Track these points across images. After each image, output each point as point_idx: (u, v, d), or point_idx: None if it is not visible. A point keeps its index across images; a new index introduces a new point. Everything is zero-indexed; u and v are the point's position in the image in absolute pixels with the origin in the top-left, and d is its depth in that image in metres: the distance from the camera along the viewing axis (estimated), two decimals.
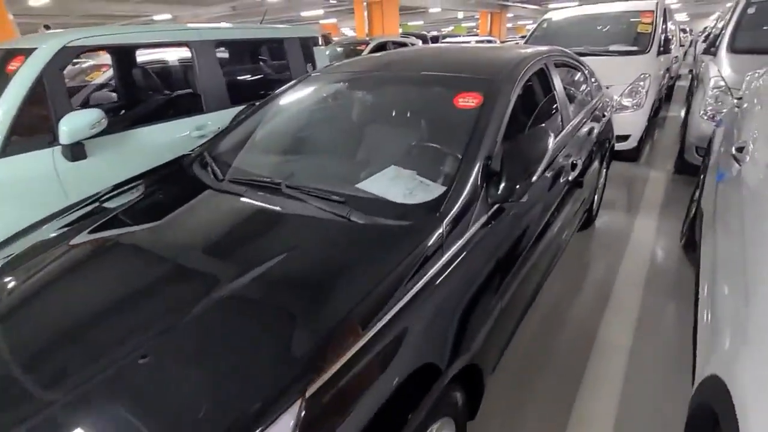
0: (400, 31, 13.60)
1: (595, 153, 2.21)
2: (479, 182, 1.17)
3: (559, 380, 1.64)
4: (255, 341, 0.79)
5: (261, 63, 3.61)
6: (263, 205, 1.21)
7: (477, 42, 10.04)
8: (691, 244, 2.31)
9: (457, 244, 1.04)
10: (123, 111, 2.82)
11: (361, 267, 0.93)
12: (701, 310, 1.30)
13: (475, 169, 1.17)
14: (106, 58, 4.10)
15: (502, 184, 1.14)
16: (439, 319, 0.93)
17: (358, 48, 7.46)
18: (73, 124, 1.85)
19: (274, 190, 1.25)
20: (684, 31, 10.37)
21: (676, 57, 6.31)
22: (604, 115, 2.45)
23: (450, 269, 0.99)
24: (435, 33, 13.58)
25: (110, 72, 3.45)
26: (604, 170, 2.73)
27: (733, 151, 1.44)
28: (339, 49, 7.67)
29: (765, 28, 3.52)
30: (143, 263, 1.07)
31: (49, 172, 1.88)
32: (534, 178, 1.15)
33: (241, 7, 15.07)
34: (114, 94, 3.29)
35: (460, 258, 1.02)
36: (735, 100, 2.10)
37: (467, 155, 1.21)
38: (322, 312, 0.83)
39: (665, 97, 6.37)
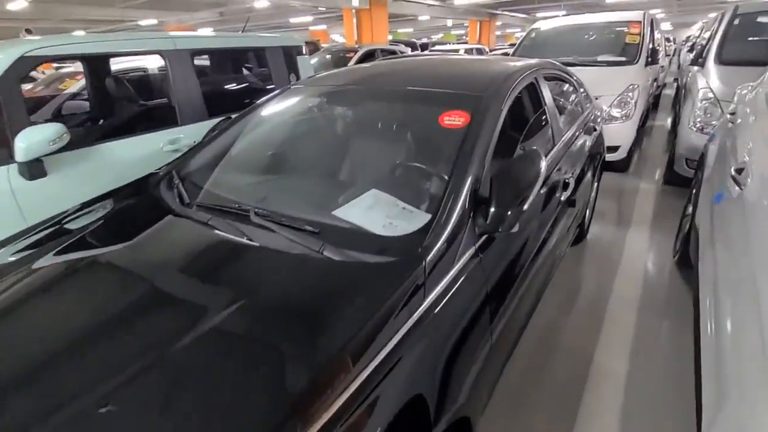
0: (390, 38, 13.61)
1: (588, 167, 2.14)
2: (466, 211, 1.06)
3: (556, 410, 1.54)
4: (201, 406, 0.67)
5: (242, 73, 3.49)
6: (227, 235, 1.09)
7: (466, 50, 10.02)
8: (684, 261, 2.25)
9: (442, 284, 0.93)
10: (93, 123, 2.67)
11: (331, 320, 0.81)
12: (704, 345, 1.22)
13: (462, 197, 1.07)
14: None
15: (492, 212, 1.04)
16: (422, 373, 0.82)
17: (347, 55, 7.39)
18: (31, 140, 1.71)
19: (243, 218, 1.13)
20: (668, 40, 10.57)
21: (662, 66, 6.37)
22: (595, 129, 2.39)
23: (433, 314, 0.88)
24: (425, 40, 13.63)
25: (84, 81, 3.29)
26: (596, 184, 2.67)
27: (732, 172, 1.37)
28: (328, 57, 7.59)
29: (752, 39, 3.53)
30: (97, 299, 0.96)
31: (3, 191, 1.73)
32: (526, 206, 1.05)
33: (228, 13, 14.95)
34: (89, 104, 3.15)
35: (444, 301, 0.91)
36: (729, 115, 2.05)
37: (453, 180, 1.11)
38: (277, 378, 0.71)
39: (652, 106, 6.41)
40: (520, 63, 1.72)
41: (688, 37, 11.22)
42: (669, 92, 8.39)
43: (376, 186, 1.21)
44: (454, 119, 1.28)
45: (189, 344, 0.77)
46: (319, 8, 14.34)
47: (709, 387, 1.06)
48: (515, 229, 1.07)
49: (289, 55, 3.02)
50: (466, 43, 15.99)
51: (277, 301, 0.88)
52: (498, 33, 24.73)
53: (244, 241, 1.06)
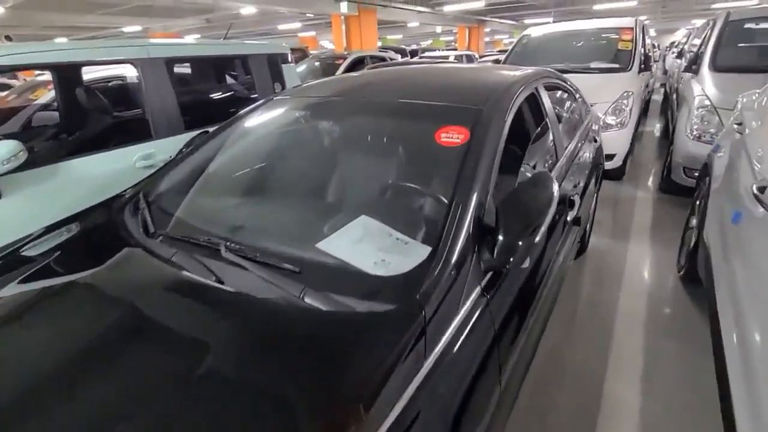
0: (379, 44, 13.55)
1: (590, 180, 2.03)
2: (470, 243, 0.93)
3: None
4: None
5: (224, 82, 3.33)
6: (193, 277, 0.93)
7: (456, 56, 9.99)
8: (691, 277, 2.14)
9: (444, 338, 0.79)
10: (60, 136, 2.49)
11: (309, 396, 0.66)
12: (732, 371, 1.10)
13: (465, 227, 0.93)
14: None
15: (499, 244, 0.91)
16: None
17: (336, 62, 7.27)
18: None
19: (213, 253, 0.98)
20: (653, 46, 10.75)
21: (652, 72, 6.38)
22: (595, 139, 2.29)
23: (434, 377, 0.73)
24: (414, 47, 13.62)
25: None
26: (596, 195, 2.57)
27: (755, 190, 1.26)
28: (316, 64, 7.45)
29: (745, 46, 3.49)
30: (40, 350, 0.81)
31: None
32: (538, 237, 0.92)
33: (215, 20, 14.76)
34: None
35: (447, 359, 0.76)
36: (735, 125, 1.96)
37: (454, 207, 0.97)
38: None
39: (642, 112, 6.41)
40: (519, 72, 1.61)
41: (672, 43, 11.40)
42: (657, 98, 8.44)
43: (365, 212, 1.07)
44: (453, 136, 1.15)
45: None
46: (308, 15, 14.25)
47: (743, 412, 0.95)
48: (526, 264, 0.93)
49: (274, 63, 2.87)
50: (455, 49, 16.04)
51: (242, 366, 0.72)
52: (487, 39, 24.93)
53: (212, 283, 0.90)
